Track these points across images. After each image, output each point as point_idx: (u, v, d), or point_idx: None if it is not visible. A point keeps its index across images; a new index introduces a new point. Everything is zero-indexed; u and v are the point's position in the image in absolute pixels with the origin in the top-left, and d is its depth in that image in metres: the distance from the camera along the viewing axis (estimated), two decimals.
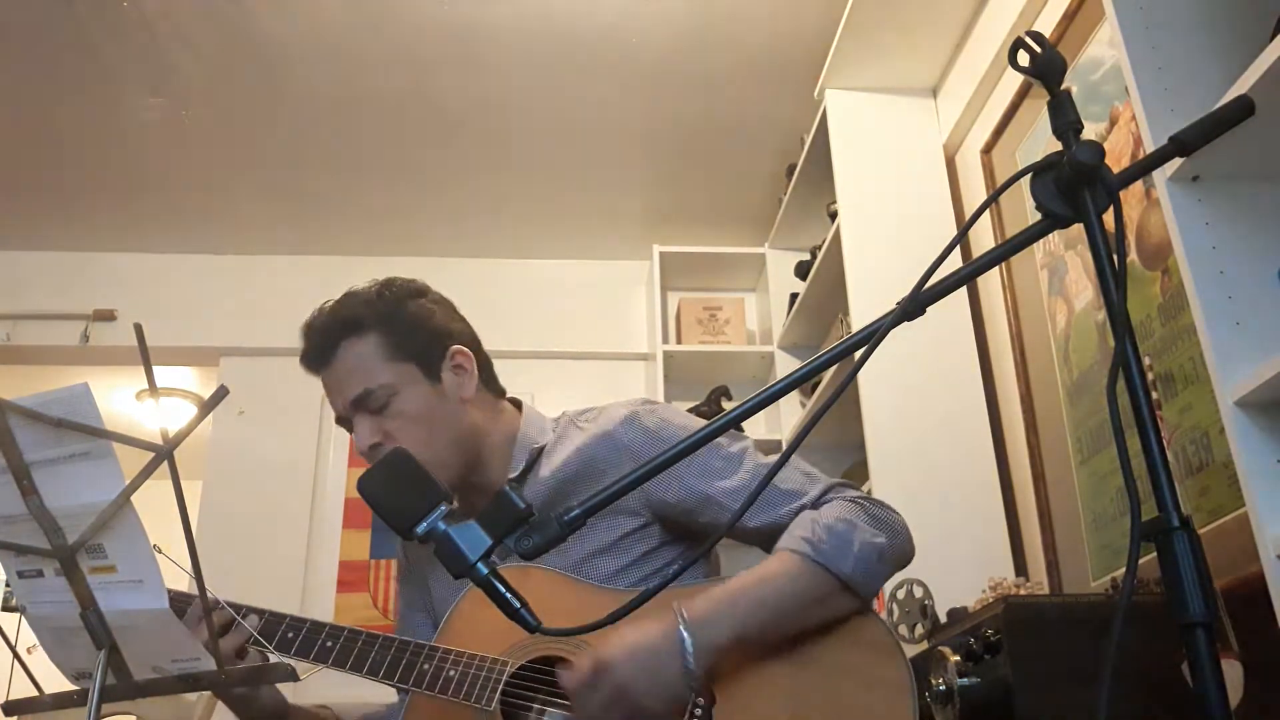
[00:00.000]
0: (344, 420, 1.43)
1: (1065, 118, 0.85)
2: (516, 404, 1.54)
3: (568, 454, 1.42)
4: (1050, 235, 1.01)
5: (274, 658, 1.34)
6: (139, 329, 0.97)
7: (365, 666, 1.31)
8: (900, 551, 1.31)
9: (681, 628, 1.16)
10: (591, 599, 1.32)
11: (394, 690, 1.46)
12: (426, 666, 1.29)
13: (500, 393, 1.53)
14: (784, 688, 1.23)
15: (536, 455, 1.46)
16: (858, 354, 0.86)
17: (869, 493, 2.49)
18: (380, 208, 3.91)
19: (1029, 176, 0.86)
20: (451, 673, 1.28)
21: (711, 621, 1.18)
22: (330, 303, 1.47)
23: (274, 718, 1.40)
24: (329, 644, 1.33)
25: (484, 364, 1.51)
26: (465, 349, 1.47)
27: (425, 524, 0.85)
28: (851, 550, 1.23)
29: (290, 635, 1.34)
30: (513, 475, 1.44)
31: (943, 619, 1.99)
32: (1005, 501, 2.52)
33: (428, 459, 1.34)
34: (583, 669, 1.17)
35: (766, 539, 1.35)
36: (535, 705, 1.28)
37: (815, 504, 1.33)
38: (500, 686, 1.26)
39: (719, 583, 1.30)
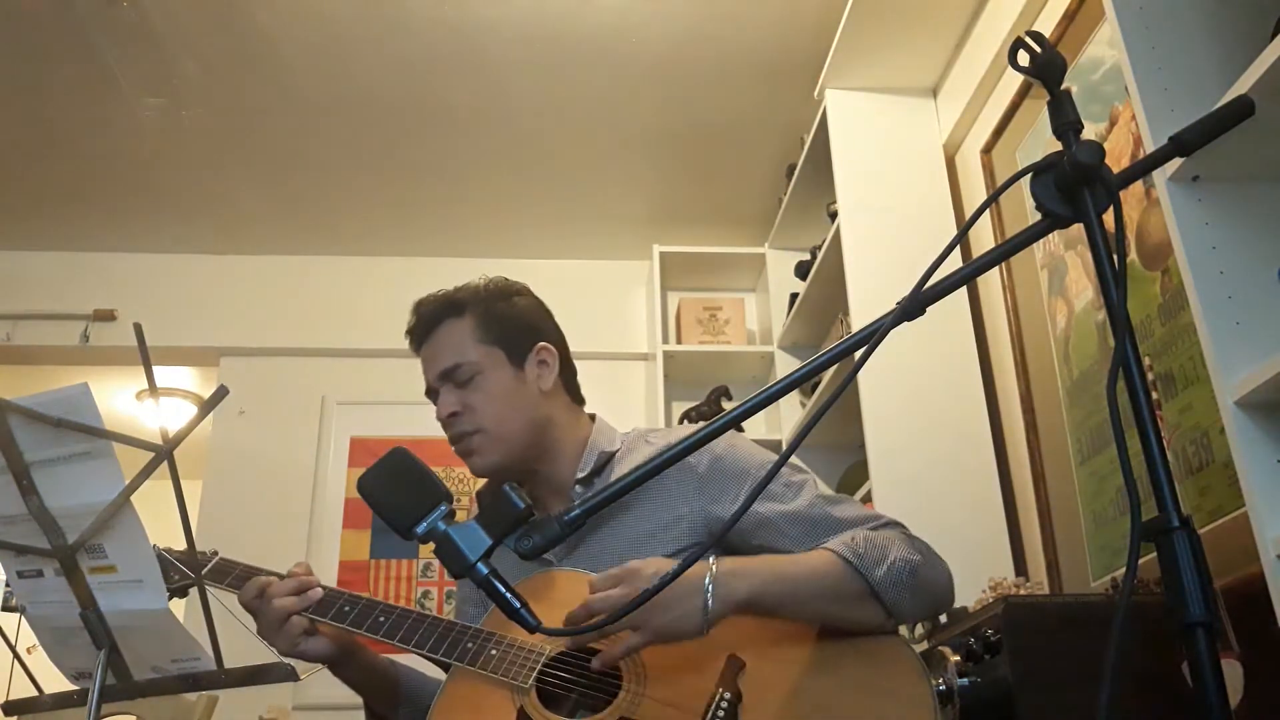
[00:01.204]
0: (432, 391, 1.55)
1: (1065, 118, 0.85)
2: (592, 417, 1.63)
3: (636, 464, 1.46)
4: (1050, 235, 1.01)
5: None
6: (139, 329, 0.97)
7: (414, 640, 1.39)
8: (934, 580, 1.33)
9: (707, 573, 1.21)
10: None
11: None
12: (470, 645, 1.36)
13: (580, 400, 1.63)
14: (808, 696, 1.25)
15: (606, 460, 1.54)
16: (858, 354, 0.86)
17: (869, 493, 2.52)
18: (380, 208, 3.92)
19: (1029, 176, 0.86)
20: (494, 652, 1.35)
21: (737, 576, 1.22)
22: (441, 290, 1.62)
23: (343, 653, 1.47)
24: (381, 619, 1.41)
25: (567, 368, 1.62)
26: (551, 347, 1.59)
27: (425, 524, 0.85)
28: (886, 559, 1.27)
29: (347, 609, 1.43)
30: (581, 474, 1.52)
31: (943, 619, 1.99)
32: (1005, 502, 2.52)
33: (497, 434, 1.49)
34: (612, 571, 1.23)
35: None
36: (574, 693, 1.31)
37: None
38: (538, 669, 1.32)
39: None
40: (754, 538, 1.39)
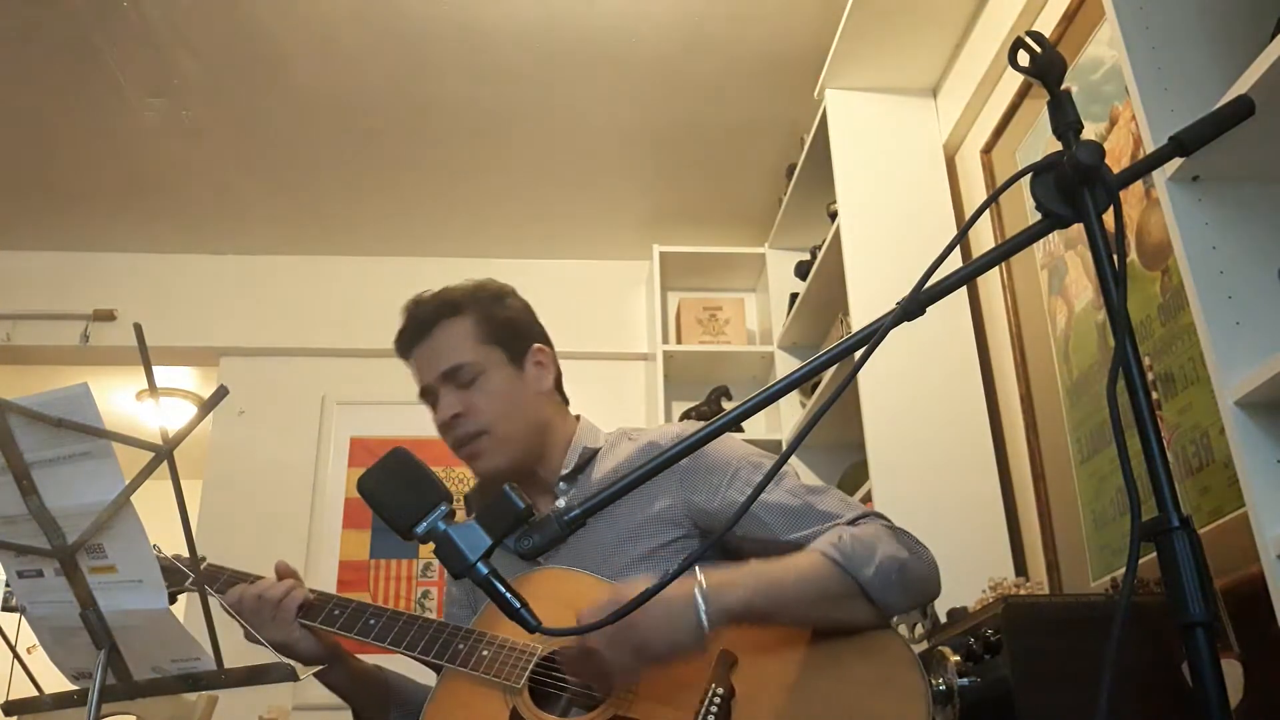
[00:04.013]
0: (428, 392, 1.53)
1: (1065, 118, 0.85)
2: (577, 417, 1.63)
3: (618, 461, 1.51)
4: (1050, 235, 1.01)
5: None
6: (139, 329, 0.97)
7: (404, 642, 1.39)
8: (922, 575, 1.33)
9: (696, 587, 1.20)
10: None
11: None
12: (461, 646, 1.36)
13: (567, 402, 1.63)
14: (801, 693, 1.24)
15: (589, 458, 1.54)
16: (858, 354, 0.86)
17: (869, 493, 2.52)
18: (380, 208, 3.92)
19: (1029, 176, 0.86)
20: (485, 653, 1.34)
21: (727, 586, 1.22)
22: (431, 291, 1.59)
23: (331, 655, 1.48)
24: (372, 621, 1.41)
25: (558, 370, 1.62)
26: (546, 349, 1.60)
27: (425, 524, 0.85)
28: (874, 559, 1.27)
29: (337, 612, 1.43)
30: (564, 472, 1.52)
31: (943, 619, 1.99)
32: (1005, 501, 2.52)
33: (503, 435, 1.48)
34: (590, 608, 1.20)
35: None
36: (566, 693, 1.31)
37: (850, 524, 1.36)
38: (530, 669, 1.31)
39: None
40: (736, 528, 1.38)
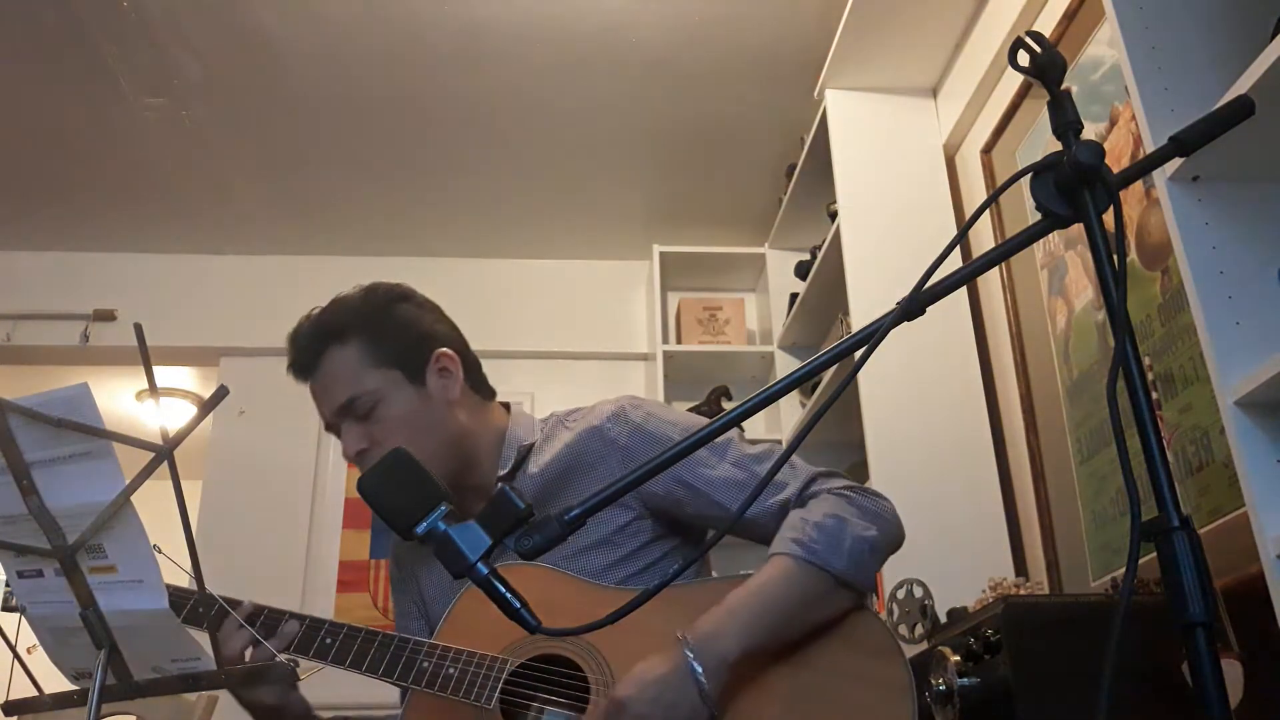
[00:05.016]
0: (332, 427, 1.44)
1: (1065, 118, 0.85)
2: (506, 407, 1.55)
3: (556, 450, 1.44)
4: (1050, 235, 1.01)
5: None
6: (139, 329, 0.97)
7: (365, 664, 1.31)
8: (891, 540, 1.31)
9: (688, 653, 1.17)
10: (588, 596, 1.33)
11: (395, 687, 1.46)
12: (426, 664, 1.29)
13: (490, 395, 1.54)
14: (784, 690, 1.23)
15: (525, 453, 1.47)
16: (858, 354, 0.86)
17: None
18: (380, 208, 3.92)
19: (1029, 176, 0.86)
20: (451, 670, 1.28)
21: (716, 638, 1.19)
22: (315, 310, 1.48)
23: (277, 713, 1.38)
24: (328, 640, 1.32)
25: (471, 366, 1.51)
26: (450, 351, 1.47)
27: (425, 524, 0.85)
28: (843, 546, 1.24)
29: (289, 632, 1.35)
30: (502, 472, 1.44)
31: (943, 619, 1.99)
32: (1005, 501, 2.52)
33: None
34: (598, 712, 1.18)
35: (749, 529, 1.36)
36: (535, 704, 1.28)
37: (799, 495, 1.34)
38: (500, 685, 1.27)
39: (710, 583, 1.31)
40: (689, 506, 1.37)
